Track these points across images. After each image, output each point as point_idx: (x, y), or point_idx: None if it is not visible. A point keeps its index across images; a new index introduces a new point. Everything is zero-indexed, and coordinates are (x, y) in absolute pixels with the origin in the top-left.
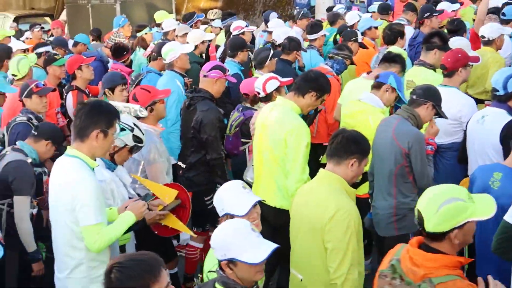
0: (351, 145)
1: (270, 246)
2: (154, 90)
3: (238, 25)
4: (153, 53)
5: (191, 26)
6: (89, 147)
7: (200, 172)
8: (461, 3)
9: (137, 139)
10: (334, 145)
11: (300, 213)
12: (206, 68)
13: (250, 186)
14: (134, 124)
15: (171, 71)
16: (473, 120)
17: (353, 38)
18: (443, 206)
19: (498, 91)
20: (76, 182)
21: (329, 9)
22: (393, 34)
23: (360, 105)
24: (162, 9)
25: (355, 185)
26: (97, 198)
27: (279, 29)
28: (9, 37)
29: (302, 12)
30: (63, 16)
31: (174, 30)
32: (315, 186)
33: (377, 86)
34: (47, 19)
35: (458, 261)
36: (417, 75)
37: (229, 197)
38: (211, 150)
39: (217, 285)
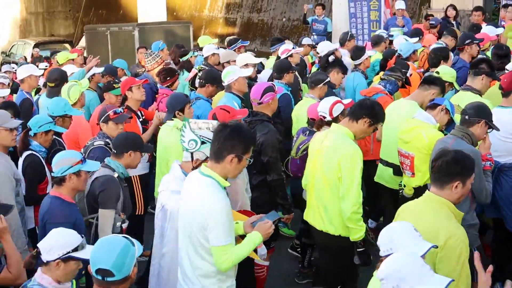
0: (452, 167)
1: (444, 280)
2: (233, 110)
3: (285, 48)
4: (201, 80)
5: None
6: (223, 169)
7: (263, 193)
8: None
9: None
10: (435, 170)
11: None
12: (257, 95)
13: None
14: None
15: (229, 93)
16: None
17: (403, 70)
18: None
19: None
20: (210, 202)
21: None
22: (437, 58)
23: (413, 122)
24: (180, 35)
25: None
26: (228, 219)
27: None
28: (72, 59)
29: (349, 33)
30: (82, 43)
31: (213, 54)
32: (422, 207)
33: (432, 107)
34: (67, 45)
35: None
36: (464, 100)
37: (402, 239)
38: (272, 171)
39: None
